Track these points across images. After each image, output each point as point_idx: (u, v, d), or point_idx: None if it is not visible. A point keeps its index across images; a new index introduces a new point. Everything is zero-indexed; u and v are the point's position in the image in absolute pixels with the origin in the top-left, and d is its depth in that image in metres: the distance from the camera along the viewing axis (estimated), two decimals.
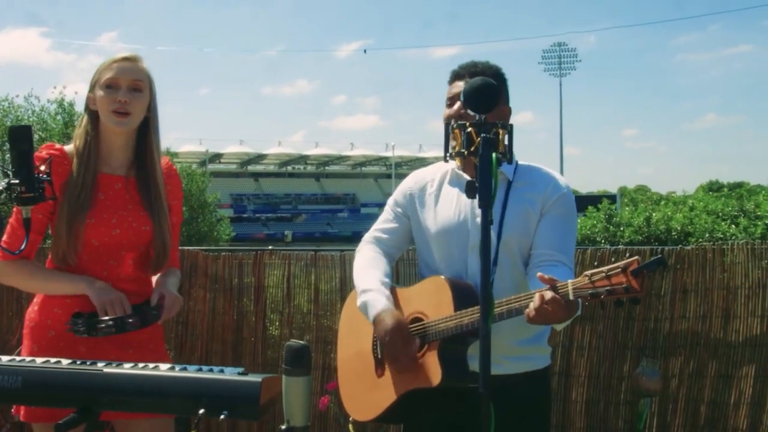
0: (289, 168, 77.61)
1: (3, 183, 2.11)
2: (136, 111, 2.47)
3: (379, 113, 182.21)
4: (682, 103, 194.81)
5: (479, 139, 1.91)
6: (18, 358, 2.00)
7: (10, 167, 2.14)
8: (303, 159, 75.37)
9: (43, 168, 2.20)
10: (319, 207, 73.75)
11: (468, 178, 2.43)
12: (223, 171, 70.80)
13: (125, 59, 2.48)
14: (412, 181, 2.63)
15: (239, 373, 1.83)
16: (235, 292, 4.23)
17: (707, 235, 15.01)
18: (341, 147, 77.01)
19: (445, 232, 2.46)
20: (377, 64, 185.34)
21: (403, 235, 2.63)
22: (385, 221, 2.66)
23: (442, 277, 2.38)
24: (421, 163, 72.26)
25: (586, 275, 2.00)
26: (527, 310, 2.08)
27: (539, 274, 2.08)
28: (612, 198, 22.87)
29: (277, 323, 4.27)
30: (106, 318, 2.33)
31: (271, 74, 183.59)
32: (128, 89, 2.45)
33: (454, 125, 2.03)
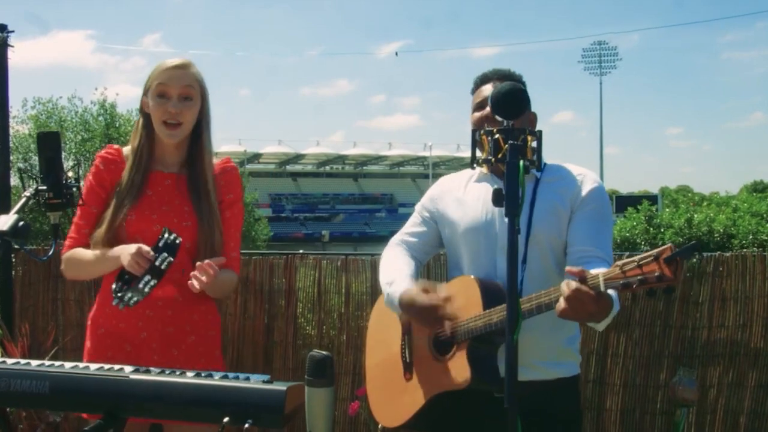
0: (327, 168, 77.95)
1: (31, 189, 2.13)
2: (187, 120, 2.49)
3: (418, 113, 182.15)
4: (727, 101, 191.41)
5: (506, 146, 1.88)
6: (47, 363, 2.02)
7: (39, 173, 2.16)
8: (341, 159, 75.66)
9: (71, 174, 2.22)
10: (356, 207, 73.93)
11: (494, 175, 2.43)
12: (262, 171, 71.31)
13: (176, 67, 2.50)
14: (439, 185, 2.62)
15: (264, 381, 1.82)
16: (266, 296, 4.24)
17: (751, 237, 14.66)
18: (379, 147, 77.24)
19: (472, 231, 2.42)
20: (417, 63, 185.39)
21: (430, 240, 2.60)
22: (413, 225, 2.64)
23: (471, 276, 2.35)
24: (459, 162, 72.04)
25: (617, 265, 1.94)
26: (557, 303, 2.03)
27: (567, 267, 2.02)
28: (653, 198, 22.48)
29: (308, 328, 4.26)
30: (142, 276, 2.27)
31: (311, 74, 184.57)
32: (179, 98, 2.47)
33: (482, 132, 1.98)
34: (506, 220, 1.84)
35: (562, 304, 2.00)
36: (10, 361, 2.07)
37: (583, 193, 2.37)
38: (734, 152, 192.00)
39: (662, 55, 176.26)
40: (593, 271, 1.99)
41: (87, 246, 2.53)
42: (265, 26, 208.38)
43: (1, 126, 5.30)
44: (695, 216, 16.20)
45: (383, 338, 2.59)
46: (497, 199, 1.85)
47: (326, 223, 70.11)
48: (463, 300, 2.32)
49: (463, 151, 67.47)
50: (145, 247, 2.29)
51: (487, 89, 2.42)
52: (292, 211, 70.76)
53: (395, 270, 2.49)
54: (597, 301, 1.97)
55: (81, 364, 2.01)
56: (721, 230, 15.32)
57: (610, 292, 1.99)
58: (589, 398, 3.84)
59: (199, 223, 2.50)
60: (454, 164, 73.47)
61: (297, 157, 73.21)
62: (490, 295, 2.27)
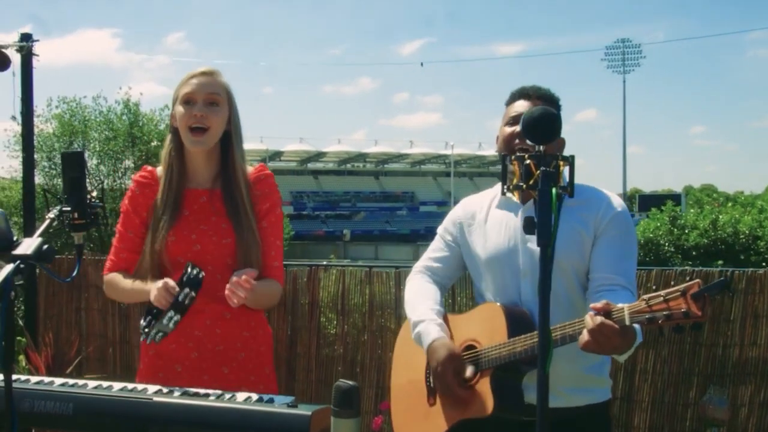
0: (349, 166, 78.03)
1: (55, 210, 2.12)
2: (214, 125, 2.45)
3: (441, 111, 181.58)
4: (752, 99, 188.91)
5: (538, 172, 1.83)
6: (71, 382, 2.01)
7: (63, 193, 2.14)
8: (362, 157, 75.70)
9: (94, 194, 2.20)
10: (378, 205, 73.91)
11: (516, 200, 2.39)
12: (284, 169, 71.48)
13: (202, 74, 2.48)
14: (460, 209, 2.58)
15: (289, 404, 1.81)
16: (289, 308, 4.22)
17: None
18: (400, 145, 77.02)
19: (495, 259, 2.39)
20: (440, 62, 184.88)
21: (454, 264, 2.57)
22: (435, 250, 2.61)
23: (497, 303, 2.32)
24: (480, 161, 71.91)
25: (644, 299, 1.91)
26: (581, 336, 1.99)
27: (591, 304, 1.99)
28: (676, 198, 22.27)
29: (331, 337, 4.24)
30: (166, 311, 2.24)
31: (333, 73, 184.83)
32: (204, 103, 2.44)
33: (513, 157, 1.93)
34: (529, 246, 1.80)
35: (585, 336, 1.97)
36: (33, 379, 2.07)
37: (607, 218, 2.32)
38: (759, 151, 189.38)
39: (686, 54, 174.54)
40: (618, 305, 1.96)
41: (125, 270, 2.52)
42: (288, 24, 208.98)
43: (27, 129, 5.36)
44: (720, 217, 15.96)
45: (409, 361, 2.56)
46: (528, 226, 1.80)
47: (347, 221, 70.15)
48: (488, 327, 2.30)
49: (484, 150, 67.32)
50: (171, 282, 2.27)
51: (522, 105, 2.39)
52: (313, 209, 70.91)
53: (423, 306, 2.47)
54: (621, 334, 1.94)
55: (104, 384, 2.01)
56: (747, 232, 15.08)
57: (634, 324, 1.95)
58: (617, 415, 3.79)
59: (238, 239, 2.45)
60: (475, 162, 73.28)
61: (318, 155, 73.36)
62: (515, 323, 2.24)
